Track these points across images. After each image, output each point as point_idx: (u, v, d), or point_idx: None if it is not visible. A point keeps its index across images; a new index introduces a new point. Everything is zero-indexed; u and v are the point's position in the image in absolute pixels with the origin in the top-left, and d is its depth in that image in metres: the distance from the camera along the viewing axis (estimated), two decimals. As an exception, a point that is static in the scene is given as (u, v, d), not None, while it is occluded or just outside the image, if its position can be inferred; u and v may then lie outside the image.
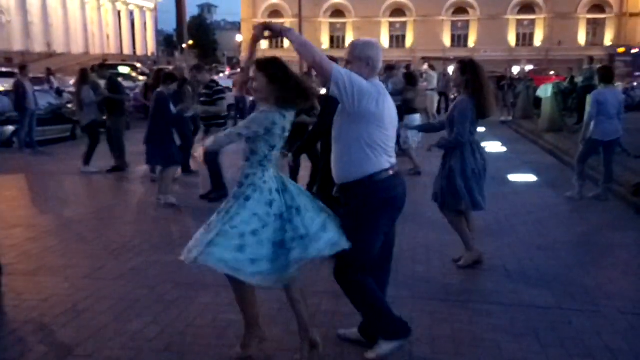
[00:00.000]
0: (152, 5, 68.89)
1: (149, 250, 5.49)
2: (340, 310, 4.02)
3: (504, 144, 13.01)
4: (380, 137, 3.21)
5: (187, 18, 69.04)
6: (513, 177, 9.20)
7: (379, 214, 3.26)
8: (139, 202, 7.51)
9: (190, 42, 67.48)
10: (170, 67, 24.55)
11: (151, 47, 68.95)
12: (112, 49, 63.18)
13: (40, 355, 3.46)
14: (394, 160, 3.32)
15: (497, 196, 7.79)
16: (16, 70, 14.72)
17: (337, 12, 56.50)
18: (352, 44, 3.35)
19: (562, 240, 5.87)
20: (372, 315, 3.40)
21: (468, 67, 4.84)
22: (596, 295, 4.44)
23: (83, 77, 9.80)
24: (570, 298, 4.38)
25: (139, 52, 67.19)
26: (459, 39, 55.67)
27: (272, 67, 3.24)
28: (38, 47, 55.35)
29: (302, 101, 3.30)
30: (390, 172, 3.26)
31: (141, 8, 69.70)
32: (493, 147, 12.63)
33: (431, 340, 3.71)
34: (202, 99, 7.76)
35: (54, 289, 4.49)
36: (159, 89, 7.43)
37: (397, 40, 56.29)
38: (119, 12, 67.48)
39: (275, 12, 57.65)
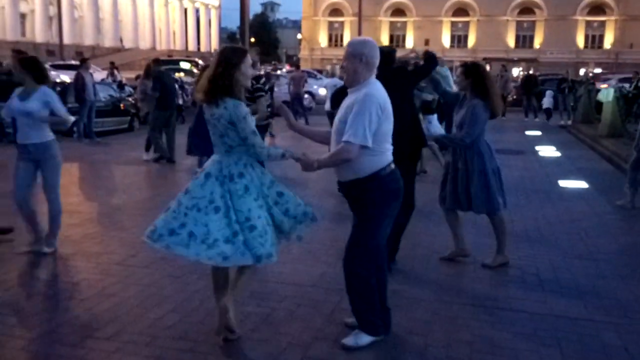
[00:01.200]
0: (216, 3, 70.41)
1: (182, 240, 5.60)
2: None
3: (558, 149, 12.56)
4: (385, 130, 3.32)
5: (251, 16, 70.47)
6: (563, 183, 8.86)
7: (387, 205, 3.40)
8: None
9: (252, 39, 68.68)
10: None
11: (215, 44, 70.46)
12: (178, 46, 64.97)
13: (62, 335, 3.59)
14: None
15: (543, 202, 7.55)
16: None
17: (398, 11, 56.10)
18: (348, 43, 3.48)
19: (604, 250, 5.61)
20: (363, 307, 3.50)
21: (472, 70, 4.87)
22: (631, 309, 4.21)
23: (146, 72, 10.30)
24: (603, 311, 4.18)
25: (203, 48, 68.79)
26: (524, 40, 54.20)
27: None
28: (108, 42, 57.51)
29: None
30: (392, 165, 3.41)
31: (206, 5, 71.33)
32: (546, 151, 12.22)
33: (447, 345, 3.62)
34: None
35: (86, 273, 4.66)
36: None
37: (459, 40, 55.36)
38: (185, 10, 69.29)
39: (335, 10, 57.83)
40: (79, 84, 12.36)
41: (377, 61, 3.38)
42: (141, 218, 6.48)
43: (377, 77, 3.44)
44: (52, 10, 47.14)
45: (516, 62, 48.40)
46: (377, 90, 3.33)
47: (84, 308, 4.01)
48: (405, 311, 4.07)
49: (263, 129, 7.84)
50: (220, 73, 3.28)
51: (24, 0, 52.10)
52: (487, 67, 19.58)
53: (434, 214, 6.59)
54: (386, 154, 3.37)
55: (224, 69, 3.29)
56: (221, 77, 3.28)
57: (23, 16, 52.46)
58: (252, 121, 3.35)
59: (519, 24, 54.06)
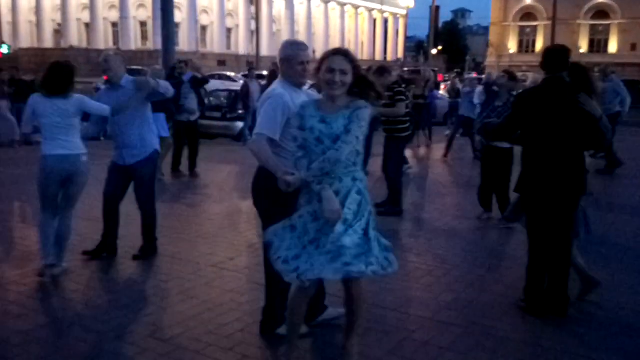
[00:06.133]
0: (404, 12, 70.80)
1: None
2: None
3: None
4: None
5: (440, 23, 69.72)
6: None
7: None
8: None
9: (440, 47, 67.71)
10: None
11: (400, 52, 70.94)
12: (365, 55, 66.62)
13: (128, 332, 3.73)
14: None
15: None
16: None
17: (600, 13, 51.02)
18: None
19: None
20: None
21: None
22: None
23: (273, 77, 10.40)
24: None
25: (390, 57, 69.58)
26: None
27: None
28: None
29: None
30: None
31: (395, 15, 72.19)
32: None
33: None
34: (383, 101, 7.60)
35: (180, 273, 4.81)
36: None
37: (674, 43, 48.69)
38: (374, 20, 70.83)
39: (528, 14, 54.55)
40: (243, 92, 13.15)
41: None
42: (258, 221, 6.63)
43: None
44: (254, 24, 51.39)
45: None
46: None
47: (162, 307, 4.14)
48: (485, 352, 3.54)
49: (404, 140, 7.48)
50: None
51: (230, 16, 57.59)
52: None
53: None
54: None
55: None
56: None
57: (229, 30, 58.02)
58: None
59: None
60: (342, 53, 3.11)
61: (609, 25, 51.03)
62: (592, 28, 51.81)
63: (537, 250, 4.07)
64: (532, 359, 3.50)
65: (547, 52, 4.13)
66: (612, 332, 3.84)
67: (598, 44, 50.88)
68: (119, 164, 5.08)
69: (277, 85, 3.45)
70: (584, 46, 50.83)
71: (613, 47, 50.74)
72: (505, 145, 6.09)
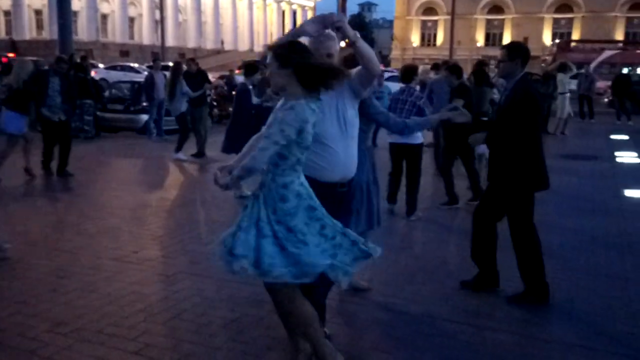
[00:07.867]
0: (312, 4, 71.31)
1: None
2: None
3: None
4: None
5: (348, 16, 70.73)
6: (630, 193, 8.03)
7: None
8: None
9: (347, 40, 68.74)
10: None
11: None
12: (274, 46, 66.41)
13: (27, 327, 3.67)
14: None
15: (595, 213, 6.86)
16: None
17: (495, 8, 54.02)
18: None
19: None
20: None
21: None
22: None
23: (176, 71, 10.29)
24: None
25: (299, 49, 69.82)
26: (634, 37, 50.28)
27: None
28: (209, 44, 59.90)
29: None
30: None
31: (303, 7, 72.48)
32: (626, 157, 11.20)
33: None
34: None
35: (79, 268, 4.74)
36: (242, 81, 7.62)
37: (561, 37, 52.27)
38: (282, 12, 70.72)
39: (429, 9, 56.70)
40: (148, 83, 12.88)
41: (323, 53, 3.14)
42: (165, 215, 6.64)
43: None
44: (159, 14, 49.78)
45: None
46: None
47: (59, 302, 4.08)
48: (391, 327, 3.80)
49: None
50: None
51: (132, 4, 55.48)
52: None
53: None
54: None
55: None
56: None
57: (131, 20, 55.86)
58: None
59: (629, 20, 50.25)
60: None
61: (503, 19, 54.11)
62: (488, 22, 54.73)
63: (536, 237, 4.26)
64: (429, 331, 3.78)
65: (524, 47, 4.24)
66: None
67: (494, 38, 53.75)
68: None
69: None
70: (480, 40, 53.64)
71: (507, 40, 53.82)
72: (417, 141, 6.33)
